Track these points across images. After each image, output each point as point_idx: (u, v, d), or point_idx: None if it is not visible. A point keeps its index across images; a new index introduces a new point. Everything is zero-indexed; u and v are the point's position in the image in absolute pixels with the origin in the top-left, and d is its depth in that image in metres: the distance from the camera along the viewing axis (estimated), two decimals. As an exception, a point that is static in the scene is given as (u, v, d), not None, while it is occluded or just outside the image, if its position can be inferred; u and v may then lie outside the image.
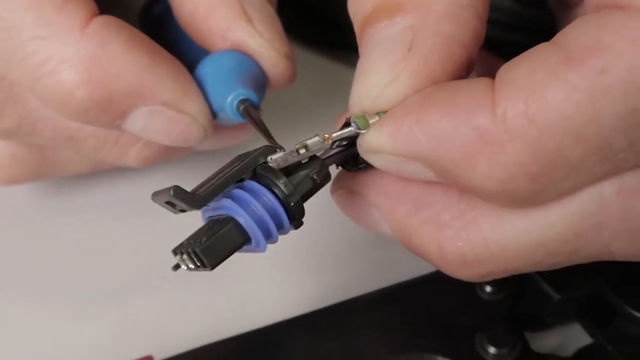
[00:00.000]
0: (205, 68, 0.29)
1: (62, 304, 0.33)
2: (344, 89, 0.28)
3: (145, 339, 0.31)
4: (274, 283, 0.33)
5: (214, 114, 0.29)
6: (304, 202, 0.24)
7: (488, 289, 0.30)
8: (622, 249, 0.22)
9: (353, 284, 0.32)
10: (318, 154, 0.24)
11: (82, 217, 0.36)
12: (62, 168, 0.34)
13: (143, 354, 0.29)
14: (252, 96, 0.28)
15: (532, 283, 0.30)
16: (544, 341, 0.30)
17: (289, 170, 0.23)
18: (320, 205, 0.33)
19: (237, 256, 0.34)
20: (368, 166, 0.24)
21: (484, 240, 0.23)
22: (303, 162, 0.24)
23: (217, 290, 0.33)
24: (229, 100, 0.28)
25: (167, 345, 0.29)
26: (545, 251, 0.22)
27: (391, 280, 0.31)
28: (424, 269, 0.31)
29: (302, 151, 0.23)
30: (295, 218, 0.23)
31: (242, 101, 0.28)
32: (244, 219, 0.23)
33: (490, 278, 0.24)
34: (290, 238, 0.33)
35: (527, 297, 0.30)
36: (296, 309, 0.30)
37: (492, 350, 0.28)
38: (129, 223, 0.36)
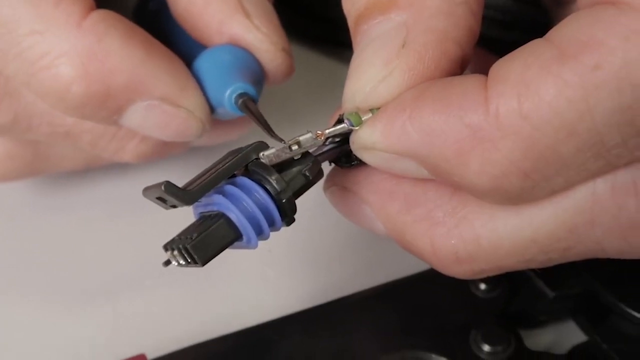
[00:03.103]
0: (203, 62, 0.29)
1: (55, 302, 0.33)
2: (340, 85, 0.28)
3: (137, 337, 0.30)
4: (267, 281, 0.33)
5: (212, 109, 0.29)
6: (296, 198, 0.23)
7: (482, 286, 0.30)
8: (614, 246, 0.22)
9: (347, 282, 0.32)
10: (310, 151, 0.24)
11: (74, 215, 0.36)
12: (56, 164, 0.33)
13: (136, 352, 0.29)
14: (251, 90, 0.28)
15: (526, 281, 0.30)
16: (539, 339, 0.30)
17: (281, 167, 0.23)
18: (313, 204, 0.33)
19: (230, 254, 0.33)
20: (361, 163, 0.24)
21: (476, 238, 0.23)
22: (295, 158, 0.24)
23: (210, 289, 0.33)
24: (227, 94, 0.28)
25: (159, 344, 0.29)
26: (538, 248, 0.22)
27: (385, 278, 0.31)
28: (418, 267, 0.31)
29: (295, 147, 0.23)
30: (287, 215, 0.23)
31: (241, 95, 0.27)
32: (235, 215, 0.22)
33: (483, 275, 0.24)
34: (284, 236, 0.33)
35: (522, 294, 0.30)
36: (289, 307, 0.30)
37: (486, 347, 0.28)
38: (121, 221, 0.36)
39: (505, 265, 0.23)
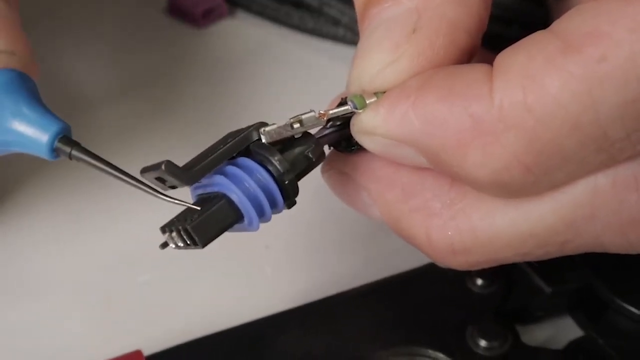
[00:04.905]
0: None
1: (48, 297, 0.33)
2: (329, 82, 0.28)
3: (133, 333, 0.30)
4: (264, 277, 0.33)
5: None
6: (298, 180, 0.23)
7: (479, 282, 0.30)
8: (613, 241, 0.22)
9: (343, 278, 0.32)
10: (311, 132, 0.23)
11: (66, 211, 0.36)
12: None
13: (132, 348, 0.28)
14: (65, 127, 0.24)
15: (523, 276, 0.30)
16: (535, 334, 0.30)
17: (282, 148, 0.23)
18: (310, 200, 0.33)
19: (227, 250, 0.33)
20: (360, 148, 0.24)
21: (473, 230, 0.23)
22: (296, 137, 0.23)
23: (207, 285, 0.33)
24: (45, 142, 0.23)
25: (156, 340, 0.29)
26: (536, 242, 0.22)
27: (381, 274, 0.31)
28: (415, 262, 0.31)
29: (296, 126, 0.23)
30: (289, 196, 0.23)
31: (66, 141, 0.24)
32: (237, 196, 0.22)
33: (479, 267, 0.24)
34: (281, 232, 0.33)
35: (519, 290, 0.30)
36: (287, 302, 0.30)
37: (483, 343, 0.28)
38: (116, 215, 0.36)
39: (501, 258, 0.23)
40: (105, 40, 0.47)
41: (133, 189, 0.23)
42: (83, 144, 0.24)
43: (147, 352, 0.28)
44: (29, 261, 0.34)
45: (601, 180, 0.21)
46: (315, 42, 0.45)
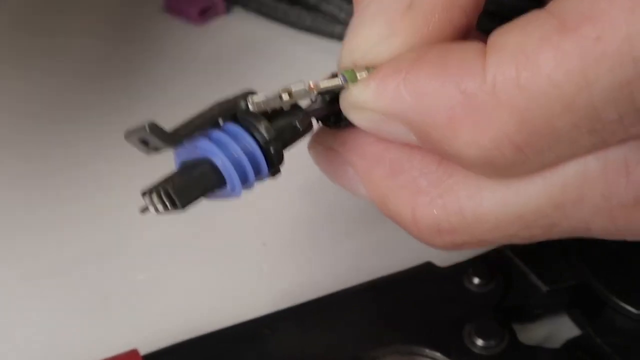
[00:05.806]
0: None
1: (45, 296, 0.33)
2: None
3: (129, 332, 0.30)
4: (261, 275, 0.33)
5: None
6: (284, 149, 0.23)
7: (476, 280, 0.30)
8: (600, 226, 0.22)
9: (340, 276, 0.32)
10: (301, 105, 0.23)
11: (64, 206, 0.36)
12: None
13: (128, 347, 0.28)
14: None
15: (520, 275, 0.30)
16: (532, 333, 0.30)
17: (269, 116, 0.23)
18: (308, 198, 0.33)
19: (224, 248, 0.33)
20: (349, 124, 0.24)
21: (460, 210, 0.22)
22: (285, 109, 0.23)
23: (204, 283, 0.33)
24: None
25: (152, 339, 0.29)
26: (523, 223, 0.22)
27: (378, 273, 0.31)
28: (412, 261, 0.31)
29: (285, 97, 0.22)
30: (274, 164, 0.22)
31: None
32: (220, 160, 0.22)
33: (464, 248, 0.24)
34: (278, 230, 0.33)
35: (515, 289, 0.30)
36: (284, 301, 0.30)
37: (479, 342, 0.28)
38: (114, 213, 0.36)
39: (488, 239, 0.23)
40: (102, 38, 0.47)
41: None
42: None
43: (143, 351, 0.28)
44: (25, 259, 0.34)
45: (592, 163, 0.21)
46: (313, 39, 0.45)
